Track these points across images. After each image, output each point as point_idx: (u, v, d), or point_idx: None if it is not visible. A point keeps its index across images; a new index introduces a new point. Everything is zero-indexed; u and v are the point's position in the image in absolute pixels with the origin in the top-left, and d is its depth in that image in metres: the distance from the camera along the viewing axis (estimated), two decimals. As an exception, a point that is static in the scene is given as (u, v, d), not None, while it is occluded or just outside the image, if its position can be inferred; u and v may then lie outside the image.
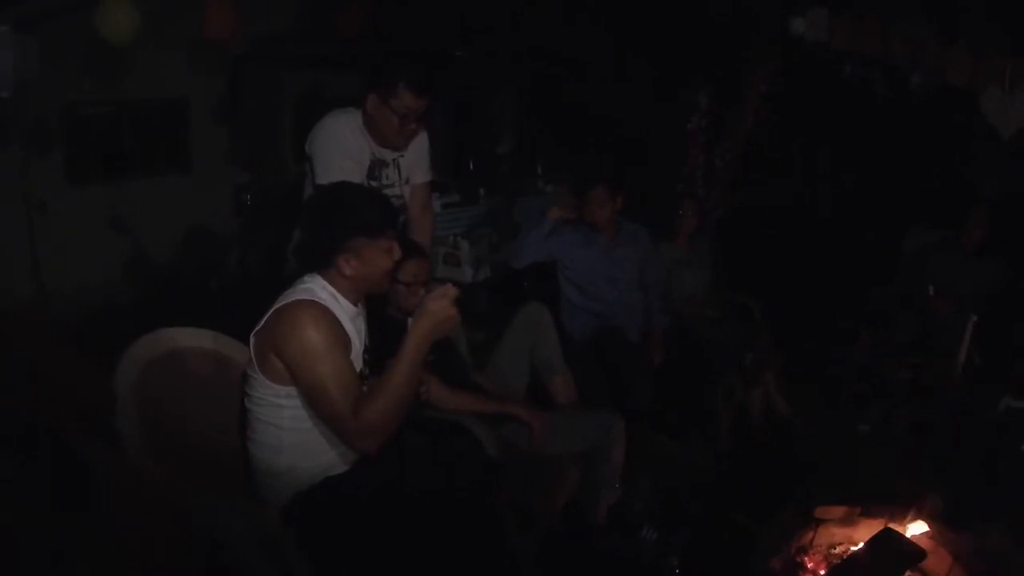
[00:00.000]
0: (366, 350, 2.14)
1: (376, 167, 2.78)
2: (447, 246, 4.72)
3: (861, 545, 2.25)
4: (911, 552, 2.17)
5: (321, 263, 2.02)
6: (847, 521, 2.34)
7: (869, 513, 2.33)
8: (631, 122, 5.46)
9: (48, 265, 5.13)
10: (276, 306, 1.95)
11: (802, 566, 2.24)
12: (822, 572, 2.22)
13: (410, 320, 2.30)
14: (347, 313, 2.03)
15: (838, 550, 2.29)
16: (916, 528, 2.28)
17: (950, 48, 4.14)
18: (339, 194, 2.14)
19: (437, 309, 1.92)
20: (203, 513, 1.86)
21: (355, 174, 2.67)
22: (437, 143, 3.08)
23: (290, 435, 1.99)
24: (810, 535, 2.29)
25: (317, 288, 1.99)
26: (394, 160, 2.82)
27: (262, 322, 1.96)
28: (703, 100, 5.22)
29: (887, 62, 4.33)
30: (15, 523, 1.35)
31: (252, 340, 1.96)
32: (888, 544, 2.21)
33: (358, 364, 2.05)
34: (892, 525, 2.27)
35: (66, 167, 5.42)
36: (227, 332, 2.28)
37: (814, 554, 2.27)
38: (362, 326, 2.14)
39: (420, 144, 2.89)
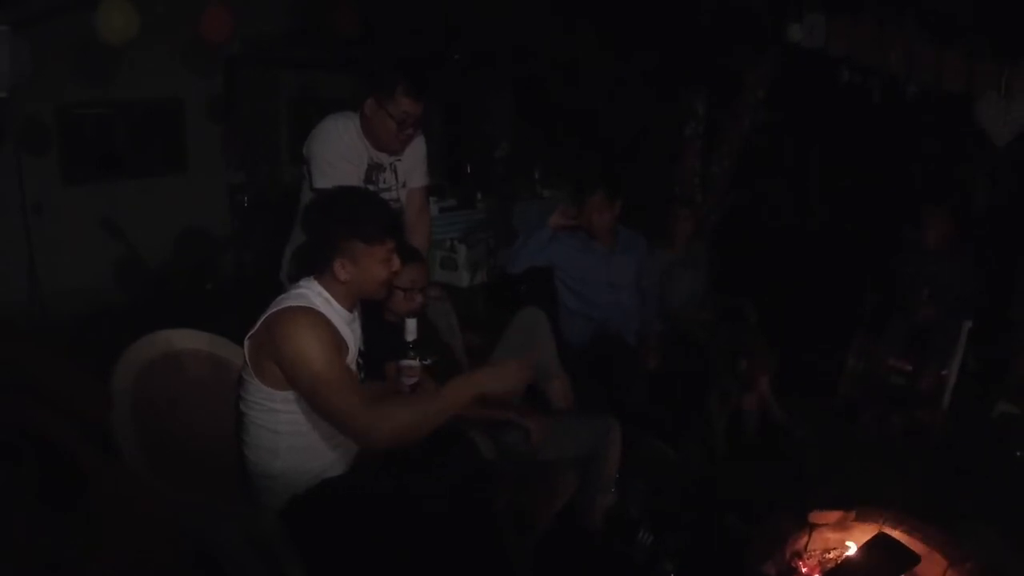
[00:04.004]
0: (360, 355, 2.14)
1: (373, 171, 2.78)
2: (444, 250, 4.72)
3: (856, 549, 2.26)
4: (905, 556, 2.18)
5: (317, 267, 2.01)
6: (842, 525, 2.34)
7: (863, 517, 2.34)
8: (627, 127, 5.48)
9: (43, 266, 5.12)
10: (270, 311, 1.94)
11: (797, 570, 2.24)
12: (816, 576, 2.23)
13: (408, 321, 2.30)
14: (342, 318, 2.03)
15: (833, 554, 2.29)
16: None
17: (945, 55, 4.16)
18: (340, 197, 2.13)
19: (509, 376, 2.01)
20: (197, 517, 1.85)
21: (352, 177, 2.67)
22: (435, 148, 3.08)
23: (286, 439, 1.98)
24: (804, 539, 2.29)
25: (312, 294, 1.98)
26: (391, 164, 2.83)
27: (256, 327, 1.95)
28: (699, 105, 5.23)
29: (883, 68, 4.34)
30: (9, 528, 1.34)
31: (246, 344, 1.96)
32: (883, 548, 2.22)
33: (352, 368, 2.05)
34: (886, 529, 2.28)
35: (61, 167, 5.41)
36: (222, 334, 2.27)
37: (808, 558, 2.27)
38: (358, 330, 2.14)
39: (417, 148, 2.89)
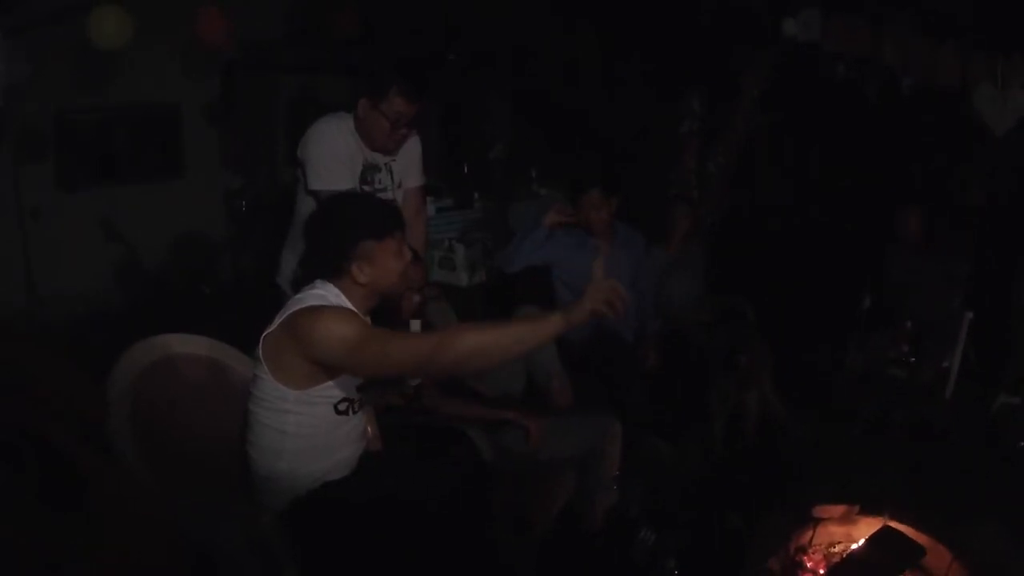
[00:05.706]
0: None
1: (368, 171, 2.78)
2: (442, 250, 4.70)
3: (860, 543, 2.25)
4: (910, 549, 2.18)
5: (331, 272, 2.01)
6: (846, 520, 2.34)
7: (868, 511, 2.33)
8: (624, 126, 5.47)
9: (41, 270, 5.12)
10: (291, 310, 1.94)
11: (802, 565, 2.23)
12: (822, 571, 2.22)
13: (412, 322, 2.31)
14: None
15: (837, 549, 2.29)
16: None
17: (941, 49, 4.16)
18: (340, 204, 2.16)
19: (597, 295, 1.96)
20: (197, 517, 1.85)
21: (347, 178, 2.67)
22: (434, 148, 3.07)
23: (292, 440, 1.98)
24: (809, 534, 2.29)
25: (330, 295, 1.98)
26: (386, 164, 2.82)
27: (274, 325, 1.95)
28: (696, 103, 5.23)
29: (879, 63, 4.35)
30: (9, 528, 1.34)
31: (262, 343, 1.95)
32: (887, 542, 2.21)
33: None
34: (890, 523, 2.27)
35: (58, 173, 5.39)
36: (220, 337, 2.27)
37: (813, 553, 2.27)
38: None
39: (412, 148, 2.89)
